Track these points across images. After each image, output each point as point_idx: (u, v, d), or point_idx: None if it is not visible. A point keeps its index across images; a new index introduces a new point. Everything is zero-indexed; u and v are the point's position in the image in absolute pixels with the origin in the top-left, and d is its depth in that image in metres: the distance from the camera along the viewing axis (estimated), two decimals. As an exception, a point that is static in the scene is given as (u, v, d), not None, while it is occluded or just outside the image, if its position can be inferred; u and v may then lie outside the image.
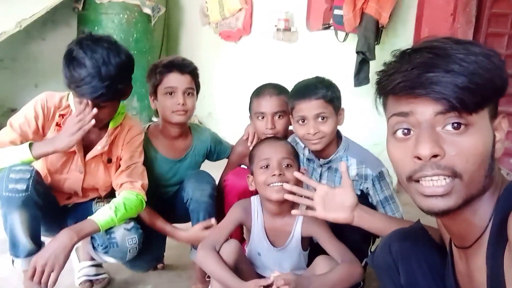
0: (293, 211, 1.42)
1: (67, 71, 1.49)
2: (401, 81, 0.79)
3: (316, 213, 1.33)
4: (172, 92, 1.76)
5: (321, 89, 1.59)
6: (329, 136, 1.61)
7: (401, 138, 0.83)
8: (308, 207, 1.38)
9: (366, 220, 1.29)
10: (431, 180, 0.79)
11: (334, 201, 1.30)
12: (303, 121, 1.62)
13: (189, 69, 1.81)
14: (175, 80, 1.76)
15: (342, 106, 1.67)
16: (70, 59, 1.49)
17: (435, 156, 0.77)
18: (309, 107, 1.59)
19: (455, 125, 0.77)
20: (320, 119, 1.59)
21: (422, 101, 0.78)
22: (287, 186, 1.40)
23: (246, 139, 1.94)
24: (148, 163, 1.82)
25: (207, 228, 1.73)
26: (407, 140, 0.82)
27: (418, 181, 0.80)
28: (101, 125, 1.61)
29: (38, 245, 1.57)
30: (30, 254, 1.54)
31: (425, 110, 0.78)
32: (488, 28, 3.13)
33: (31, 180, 1.46)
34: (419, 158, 0.78)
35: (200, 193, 1.75)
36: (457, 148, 0.77)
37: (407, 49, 0.83)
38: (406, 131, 0.82)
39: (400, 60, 0.82)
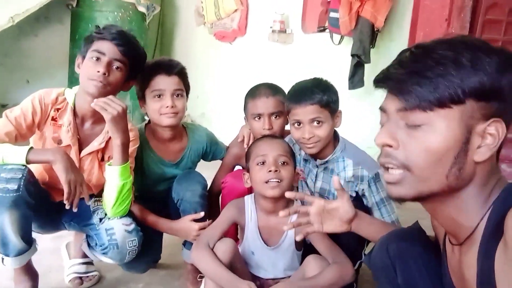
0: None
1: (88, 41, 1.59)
2: (376, 76, 0.86)
3: (313, 229, 1.30)
4: (160, 94, 1.71)
5: (317, 94, 1.58)
6: (324, 140, 1.61)
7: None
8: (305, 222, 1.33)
9: (364, 228, 1.30)
10: (388, 168, 0.85)
11: (331, 215, 1.28)
12: (299, 125, 1.61)
13: (176, 70, 1.74)
14: (162, 82, 1.71)
15: (339, 108, 1.67)
16: (89, 36, 1.60)
17: (389, 146, 0.83)
18: (304, 112, 1.58)
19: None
20: (315, 123, 1.59)
21: (389, 97, 0.84)
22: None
23: (241, 141, 1.92)
24: (144, 164, 1.80)
25: (196, 221, 1.70)
26: None
27: (384, 168, 0.87)
28: (107, 94, 1.54)
29: (29, 243, 1.54)
30: (20, 253, 1.52)
31: (390, 105, 0.84)
32: (482, 34, 3.17)
33: (22, 180, 1.43)
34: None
35: (191, 193, 1.73)
36: (410, 143, 0.81)
37: (407, 48, 0.86)
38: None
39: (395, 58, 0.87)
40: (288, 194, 1.37)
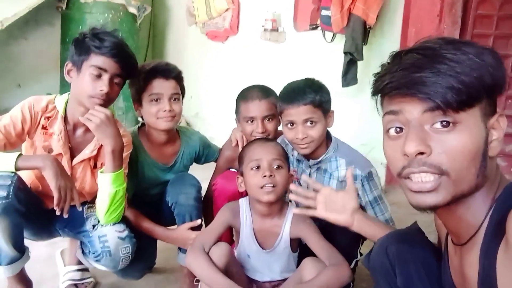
0: (295, 210, 1.45)
1: (80, 49, 1.52)
2: (389, 82, 0.82)
3: (317, 212, 1.36)
4: (157, 98, 1.70)
5: (310, 94, 1.58)
6: (317, 140, 1.61)
7: (393, 136, 0.86)
8: (308, 207, 1.38)
9: (365, 226, 1.32)
10: (419, 176, 0.81)
11: (336, 203, 1.33)
12: (292, 125, 1.61)
13: (174, 74, 1.75)
14: (160, 87, 1.71)
15: (332, 108, 1.66)
16: (81, 43, 1.52)
17: (421, 153, 0.79)
18: (298, 112, 1.58)
19: (444, 123, 0.79)
20: (308, 123, 1.58)
21: (410, 101, 0.80)
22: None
23: (235, 145, 1.90)
24: (139, 167, 1.79)
25: (193, 229, 1.70)
26: (398, 138, 0.84)
27: (407, 177, 0.83)
28: (105, 107, 1.54)
29: (21, 251, 1.53)
30: (13, 261, 1.50)
31: (412, 109, 0.81)
32: (474, 29, 3.17)
33: (11, 187, 1.41)
34: (408, 156, 0.80)
35: (185, 196, 1.72)
36: (444, 146, 0.78)
37: (401, 50, 0.85)
38: (398, 129, 0.85)
39: (392, 61, 0.85)
40: (292, 197, 1.42)
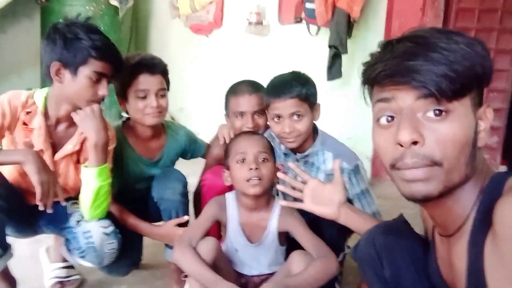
0: (281, 202, 1.47)
1: (61, 43, 1.46)
2: (382, 70, 0.81)
3: (304, 205, 1.37)
4: (144, 95, 1.68)
5: (296, 87, 1.57)
6: (304, 134, 1.61)
7: (384, 125, 0.84)
8: (295, 200, 1.38)
9: (352, 219, 1.32)
10: (406, 168, 0.80)
11: (322, 196, 1.34)
12: (278, 119, 1.61)
13: (160, 69, 1.72)
14: (147, 82, 1.67)
15: (317, 101, 1.66)
16: (74, 44, 1.46)
17: (415, 143, 0.78)
18: (284, 106, 1.58)
19: (436, 111, 0.78)
20: (295, 117, 1.58)
21: (403, 88, 0.80)
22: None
23: (223, 143, 1.88)
24: (124, 162, 1.76)
25: (180, 225, 1.69)
26: (390, 127, 0.83)
27: (400, 168, 0.82)
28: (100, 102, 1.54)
29: (5, 248, 1.50)
30: None
31: (406, 96, 0.80)
32: (456, 22, 3.21)
33: None
34: (401, 145, 0.79)
35: (171, 191, 1.71)
36: (436, 135, 0.78)
37: (391, 39, 0.84)
38: (389, 118, 0.83)
39: (384, 50, 0.84)
40: (279, 188, 1.44)
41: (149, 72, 1.68)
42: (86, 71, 1.47)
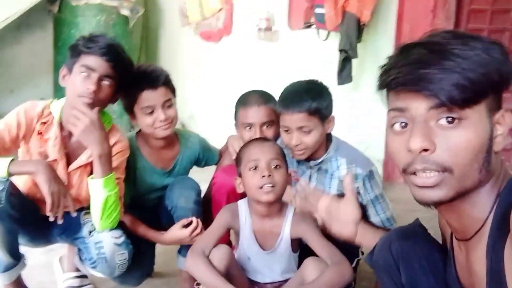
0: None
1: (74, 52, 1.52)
2: (395, 77, 0.81)
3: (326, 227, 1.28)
4: (151, 111, 1.67)
5: (306, 102, 1.54)
6: (312, 147, 1.58)
7: (398, 131, 0.85)
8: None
9: (368, 237, 1.25)
10: (423, 172, 0.81)
11: (337, 215, 1.26)
12: (287, 131, 1.59)
13: (162, 81, 1.69)
14: (151, 98, 1.66)
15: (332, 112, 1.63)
16: (74, 47, 1.52)
17: (425, 150, 0.78)
18: (292, 120, 1.56)
19: (449, 119, 0.78)
20: (304, 129, 1.56)
21: (416, 97, 0.80)
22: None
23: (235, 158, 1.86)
24: (137, 173, 1.76)
25: (186, 226, 1.66)
26: (403, 133, 0.83)
27: (412, 173, 0.83)
28: (98, 108, 1.51)
29: (17, 258, 1.50)
30: (8, 268, 1.49)
31: (418, 106, 0.80)
32: (468, 24, 3.18)
33: (4, 193, 1.38)
34: (412, 152, 0.80)
35: (185, 199, 1.70)
36: (448, 142, 0.78)
37: (408, 44, 0.84)
38: (403, 124, 0.84)
39: (399, 55, 0.83)
40: (286, 198, 1.42)
41: (151, 87, 1.66)
42: (78, 66, 1.49)
